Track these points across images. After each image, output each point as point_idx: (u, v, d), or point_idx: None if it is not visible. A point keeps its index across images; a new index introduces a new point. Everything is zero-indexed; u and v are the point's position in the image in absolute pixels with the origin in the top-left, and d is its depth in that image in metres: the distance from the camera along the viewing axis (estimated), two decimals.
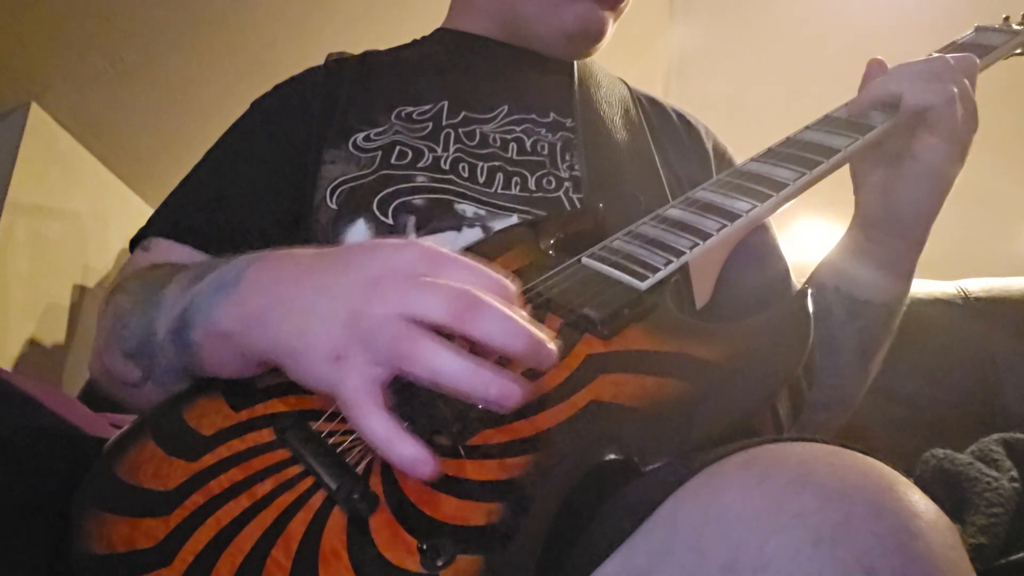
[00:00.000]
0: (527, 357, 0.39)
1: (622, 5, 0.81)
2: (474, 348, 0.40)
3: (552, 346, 0.40)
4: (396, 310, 0.39)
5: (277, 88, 0.80)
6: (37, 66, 1.30)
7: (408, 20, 0.98)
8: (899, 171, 0.64)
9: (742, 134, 0.94)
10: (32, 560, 0.40)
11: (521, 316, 0.40)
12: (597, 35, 0.80)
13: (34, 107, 1.34)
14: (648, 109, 0.87)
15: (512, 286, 0.42)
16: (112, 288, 0.63)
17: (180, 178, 0.75)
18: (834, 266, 0.71)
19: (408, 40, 0.89)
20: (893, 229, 0.66)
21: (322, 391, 0.42)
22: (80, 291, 1.44)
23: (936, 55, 0.68)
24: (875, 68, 0.68)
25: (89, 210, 1.49)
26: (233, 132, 0.77)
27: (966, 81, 0.64)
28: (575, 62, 0.84)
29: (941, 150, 0.62)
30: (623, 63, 1.18)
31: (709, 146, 0.85)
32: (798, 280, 0.78)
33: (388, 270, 0.41)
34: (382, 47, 0.88)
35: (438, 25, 0.90)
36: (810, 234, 2.49)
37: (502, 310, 0.39)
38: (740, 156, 0.84)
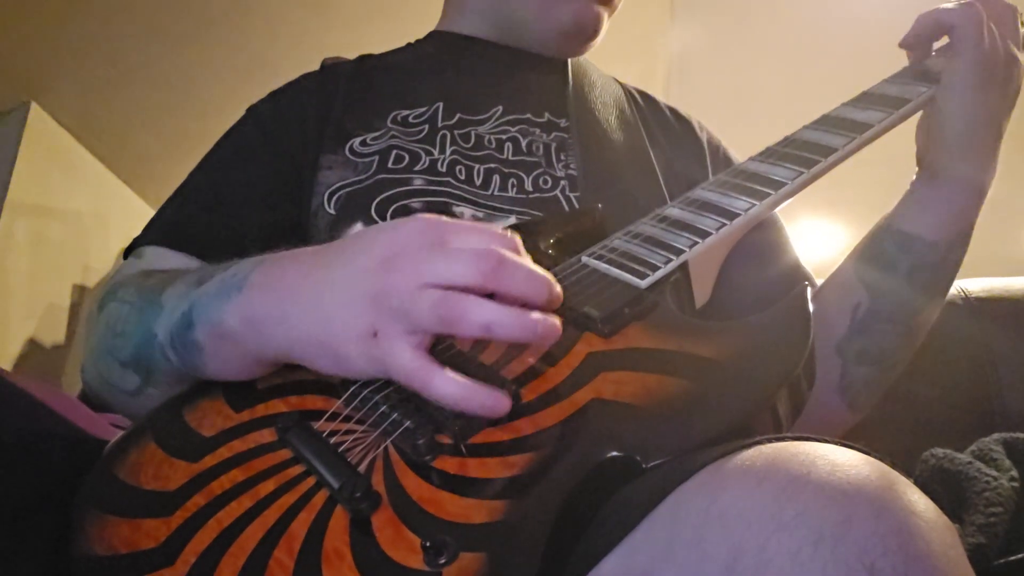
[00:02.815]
0: (549, 303, 0.43)
1: (616, 0, 0.81)
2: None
3: (559, 289, 0.44)
4: (420, 279, 0.41)
5: (273, 94, 0.80)
6: (37, 66, 1.30)
7: (409, 21, 0.98)
8: (934, 104, 0.66)
9: (743, 133, 0.94)
10: (33, 561, 0.40)
11: (536, 266, 0.43)
12: (593, 32, 0.80)
13: (34, 107, 1.34)
14: (642, 106, 0.87)
15: (516, 237, 0.45)
16: (102, 296, 0.62)
17: (181, 178, 0.75)
18: (894, 210, 0.72)
19: (406, 42, 0.89)
20: (938, 163, 0.67)
21: (366, 373, 0.44)
22: (80, 291, 1.44)
23: None
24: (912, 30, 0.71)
25: (89, 210, 1.49)
26: (228, 139, 0.76)
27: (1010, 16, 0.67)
28: (569, 61, 0.84)
29: (966, 69, 0.63)
30: (623, 63, 1.18)
31: (703, 139, 0.85)
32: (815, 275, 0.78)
33: (399, 246, 0.43)
34: (384, 48, 0.88)
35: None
36: (810, 234, 2.49)
37: (524, 264, 0.42)
38: (741, 155, 0.84)
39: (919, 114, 0.69)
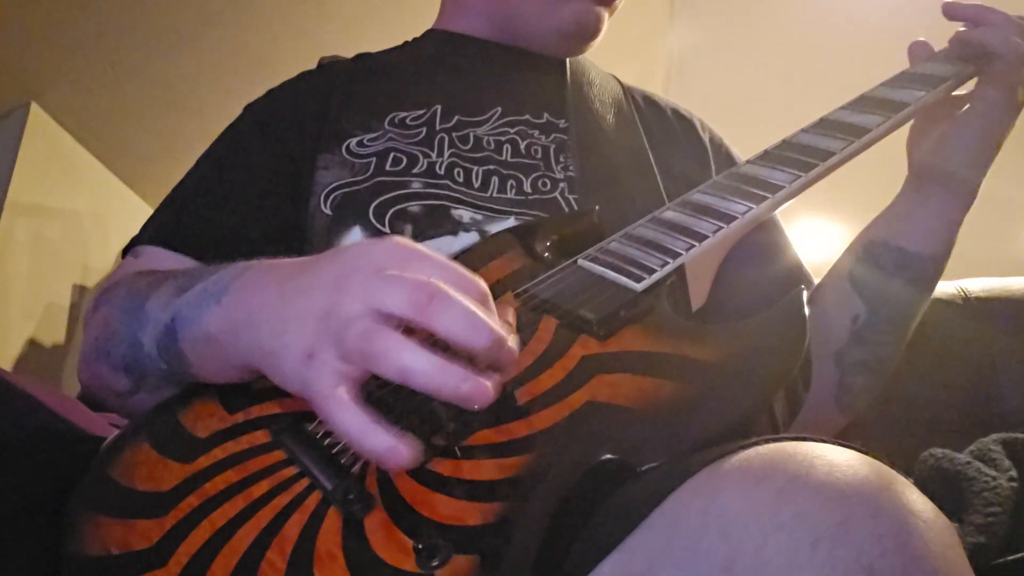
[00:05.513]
0: (488, 354, 0.38)
1: (616, 1, 0.81)
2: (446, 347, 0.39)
3: (513, 345, 0.39)
4: (363, 304, 0.39)
5: (270, 93, 0.80)
6: (37, 66, 1.30)
7: (408, 20, 0.98)
8: (955, 120, 0.67)
9: (743, 134, 0.94)
10: (32, 560, 0.40)
11: (486, 313, 0.39)
12: (593, 32, 0.80)
13: (34, 107, 1.34)
14: (641, 105, 0.86)
15: (482, 283, 0.41)
16: (97, 297, 0.62)
17: (180, 178, 0.75)
18: (885, 222, 0.72)
19: (403, 41, 0.89)
20: (944, 181, 0.68)
21: (296, 391, 0.41)
22: (80, 291, 1.44)
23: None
24: (918, 48, 0.73)
25: (89, 210, 1.49)
26: (225, 138, 0.76)
27: None
28: (568, 61, 0.84)
29: (997, 102, 0.66)
30: (623, 63, 1.18)
31: (705, 138, 0.85)
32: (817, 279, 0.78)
33: (357, 266, 0.41)
34: (381, 47, 0.88)
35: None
36: (810, 234, 2.49)
37: (464, 304, 0.38)
38: (741, 156, 0.84)
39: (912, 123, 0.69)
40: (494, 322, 0.39)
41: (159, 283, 0.55)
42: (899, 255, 0.69)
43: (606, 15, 0.80)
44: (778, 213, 0.75)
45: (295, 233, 0.68)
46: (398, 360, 0.37)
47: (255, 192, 0.70)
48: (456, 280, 0.40)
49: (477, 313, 0.38)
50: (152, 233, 0.69)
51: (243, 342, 0.45)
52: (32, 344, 1.31)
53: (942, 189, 0.68)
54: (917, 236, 0.69)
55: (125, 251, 0.70)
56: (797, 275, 0.78)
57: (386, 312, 0.38)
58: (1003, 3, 0.71)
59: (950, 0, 0.71)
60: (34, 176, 1.34)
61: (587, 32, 0.80)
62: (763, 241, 0.77)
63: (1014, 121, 0.67)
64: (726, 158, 0.84)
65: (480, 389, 0.37)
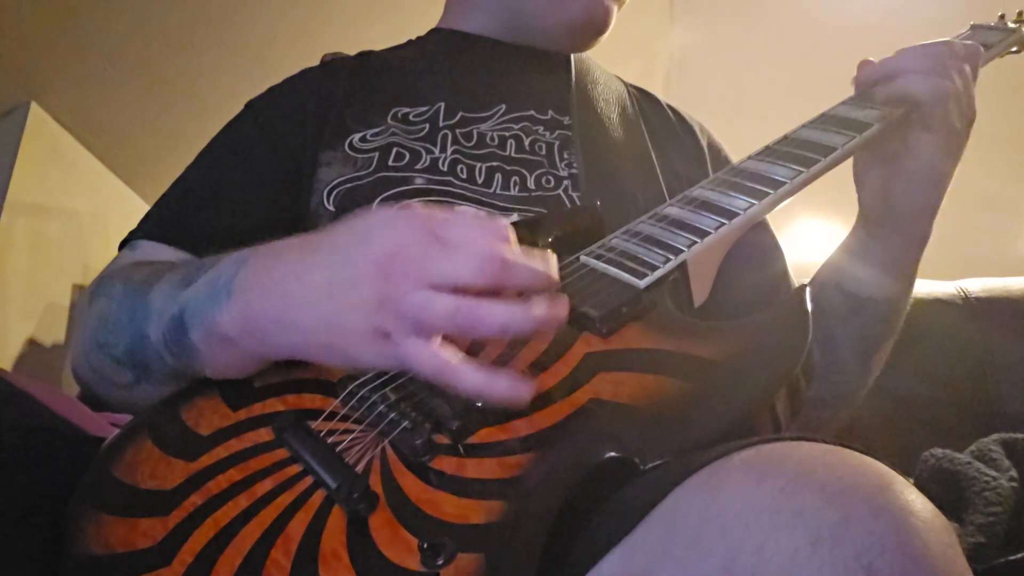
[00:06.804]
0: (548, 290, 0.44)
1: None
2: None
3: (556, 271, 0.44)
4: (426, 281, 0.41)
5: (272, 90, 0.79)
6: (37, 66, 1.30)
7: (409, 20, 0.98)
8: (896, 167, 0.65)
9: (742, 134, 0.94)
10: (32, 560, 0.40)
11: (535, 256, 0.43)
12: (603, 25, 0.80)
13: (34, 107, 1.33)
14: (644, 105, 0.87)
15: (506, 223, 0.45)
16: (92, 288, 0.62)
17: None
18: (836, 264, 0.72)
19: (407, 40, 0.89)
20: (894, 226, 0.67)
21: (378, 367, 0.44)
22: (80, 291, 1.44)
23: (942, 40, 0.67)
24: (866, 69, 0.69)
25: (89, 210, 1.49)
26: (226, 134, 0.76)
27: (967, 69, 0.65)
28: (572, 59, 0.84)
29: (935, 144, 0.63)
30: (623, 63, 1.18)
31: (704, 142, 0.85)
32: (799, 280, 0.78)
33: (396, 244, 0.43)
34: (382, 47, 0.88)
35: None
36: (810, 234, 2.49)
37: (524, 261, 0.42)
38: (740, 156, 0.84)
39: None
40: (538, 262, 0.43)
41: (159, 275, 0.55)
42: (851, 300, 0.69)
43: (615, 8, 0.80)
44: (779, 212, 0.75)
45: (294, 230, 0.68)
46: (495, 319, 0.41)
47: (254, 188, 0.70)
48: (496, 235, 0.43)
49: (535, 263, 0.43)
50: (149, 228, 0.69)
51: (272, 339, 0.46)
52: (32, 344, 1.31)
53: (892, 233, 0.67)
54: (869, 281, 0.68)
55: (122, 245, 0.70)
56: (785, 277, 0.78)
57: (451, 283, 0.41)
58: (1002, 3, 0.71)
59: (857, 75, 0.68)
60: (34, 175, 1.34)
61: (596, 25, 0.80)
62: (758, 242, 0.77)
63: (956, 160, 0.65)
64: (724, 164, 0.84)
65: (560, 312, 0.43)
